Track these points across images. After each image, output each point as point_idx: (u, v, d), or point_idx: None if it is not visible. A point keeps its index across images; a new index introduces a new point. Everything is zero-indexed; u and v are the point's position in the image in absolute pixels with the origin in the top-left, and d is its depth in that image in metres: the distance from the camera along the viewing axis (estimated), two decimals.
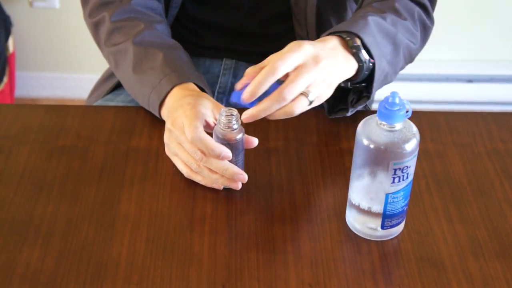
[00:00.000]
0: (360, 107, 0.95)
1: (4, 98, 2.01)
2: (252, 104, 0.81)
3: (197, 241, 0.80)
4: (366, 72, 0.90)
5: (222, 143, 0.83)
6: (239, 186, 0.86)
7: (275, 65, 0.79)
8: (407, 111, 0.74)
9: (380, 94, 0.96)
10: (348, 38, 0.88)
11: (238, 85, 0.82)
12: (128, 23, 0.99)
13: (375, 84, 0.91)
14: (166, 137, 0.88)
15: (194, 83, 0.93)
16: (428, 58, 2.10)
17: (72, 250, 0.78)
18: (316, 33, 1.07)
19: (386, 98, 0.74)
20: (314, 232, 0.81)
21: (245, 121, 0.81)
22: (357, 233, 0.81)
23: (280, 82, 0.81)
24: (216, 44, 1.15)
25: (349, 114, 0.95)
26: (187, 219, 0.83)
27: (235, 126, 0.83)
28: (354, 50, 0.87)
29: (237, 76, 1.16)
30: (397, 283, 0.76)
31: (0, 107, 1.02)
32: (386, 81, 0.95)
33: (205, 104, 0.87)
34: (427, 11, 1.02)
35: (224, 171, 0.84)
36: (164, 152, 0.91)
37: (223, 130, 0.83)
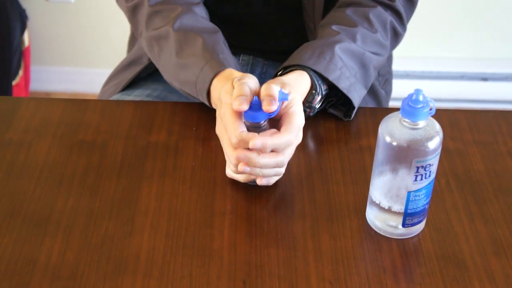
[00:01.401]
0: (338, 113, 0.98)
1: (19, 92, 2.02)
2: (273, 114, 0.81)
3: (217, 237, 0.80)
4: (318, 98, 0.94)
5: (250, 130, 0.81)
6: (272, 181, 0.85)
7: (280, 145, 0.81)
8: (430, 109, 0.74)
9: (403, 91, 0.96)
10: (314, 91, 0.92)
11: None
12: (166, 7, 0.98)
13: (354, 101, 0.95)
14: (216, 128, 0.86)
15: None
16: (443, 56, 2.09)
17: (92, 244, 0.79)
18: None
19: (410, 96, 0.74)
20: (334, 229, 0.81)
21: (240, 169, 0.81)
22: (377, 230, 0.81)
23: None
24: (233, 40, 1.15)
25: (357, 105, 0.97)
26: (207, 215, 0.83)
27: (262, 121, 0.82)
28: (313, 91, 0.92)
29: (254, 71, 1.16)
30: (418, 281, 0.76)
31: (20, 100, 1.02)
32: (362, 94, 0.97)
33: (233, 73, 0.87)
34: (401, 19, 1.03)
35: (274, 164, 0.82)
36: (184, 148, 0.91)
37: (249, 126, 0.82)
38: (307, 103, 0.94)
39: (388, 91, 1.20)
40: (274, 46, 1.16)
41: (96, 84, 1.61)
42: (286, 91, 0.84)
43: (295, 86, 0.89)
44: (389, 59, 1.20)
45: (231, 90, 0.83)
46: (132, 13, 1.03)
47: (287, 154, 0.83)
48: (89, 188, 0.86)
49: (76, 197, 0.84)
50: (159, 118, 0.97)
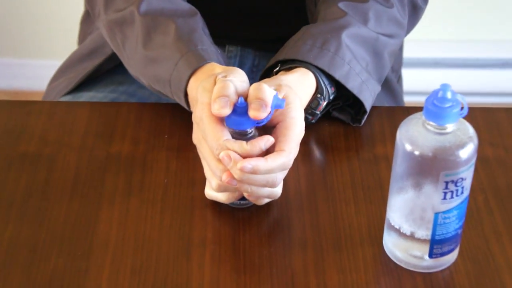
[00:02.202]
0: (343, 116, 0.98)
1: None
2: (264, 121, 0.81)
3: (195, 273, 0.79)
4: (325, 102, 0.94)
5: (234, 137, 0.81)
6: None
7: (287, 161, 0.81)
8: (461, 108, 0.74)
9: (427, 86, 0.96)
10: (319, 96, 0.92)
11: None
12: None
13: (366, 103, 0.96)
14: (194, 135, 0.86)
15: None
16: (483, 39, 2.09)
17: (37, 285, 0.78)
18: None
19: (435, 92, 0.74)
20: (344, 261, 0.81)
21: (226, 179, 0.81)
22: (398, 262, 0.81)
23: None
24: (216, 28, 1.15)
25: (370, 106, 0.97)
26: (182, 246, 0.82)
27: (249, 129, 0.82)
28: (314, 105, 0.93)
29: (244, 65, 1.16)
30: None
31: None
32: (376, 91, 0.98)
33: (213, 68, 0.87)
34: None
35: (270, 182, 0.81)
36: (153, 161, 0.91)
37: (234, 134, 0.82)
38: (310, 109, 0.94)
39: (401, 87, 1.21)
40: (266, 33, 1.16)
41: (44, 79, 1.60)
42: (281, 96, 0.83)
43: (297, 89, 0.88)
44: (400, 47, 1.19)
45: (211, 87, 0.83)
46: None
47: (281, 174, 0.83)
48: (33, 213, 0.85)
49: (16, 225, 0.84)
50: (122, 124, 0.96)
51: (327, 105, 0.95)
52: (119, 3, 0.98)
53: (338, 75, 0.93)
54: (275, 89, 0.84)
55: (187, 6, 0.98)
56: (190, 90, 0.90)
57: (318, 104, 0.93)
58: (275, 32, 1.14)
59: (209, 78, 0.85)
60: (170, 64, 0.92)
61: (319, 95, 0.93)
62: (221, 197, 0.85)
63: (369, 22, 0.97)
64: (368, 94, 0.95)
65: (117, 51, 1.01)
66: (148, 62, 0.95)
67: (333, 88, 0.94)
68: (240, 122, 0.81)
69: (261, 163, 0.79)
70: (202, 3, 1.12)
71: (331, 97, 0.94)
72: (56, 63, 1.56)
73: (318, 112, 0.94)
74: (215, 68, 0.89)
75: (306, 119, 0.91)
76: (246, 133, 0.82)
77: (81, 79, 1.11)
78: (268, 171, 0.80)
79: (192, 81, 0.90)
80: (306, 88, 0.91)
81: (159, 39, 0.94)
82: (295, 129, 0.82)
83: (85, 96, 1.09)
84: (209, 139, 0.81)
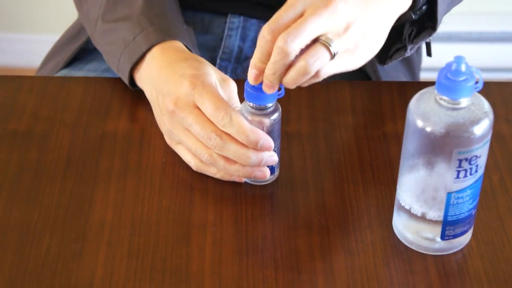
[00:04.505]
0: (422, 42, 0.94)
1: None
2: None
3: (195, 256, 0.80)
4: (420, 5, 0.89)
5: (254, 113, 0.84)
6: (268, 174, 0.85)
7: (264, 32, 0.80)
8: (476, 82, 0.74)
9: (440, 59, 0.95)
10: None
11: (251, 79, 0.82)
12: None
13: (439, 7, 0.90)
14: (167, 122, 0.87)
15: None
16: (493, 11, 2.09)
17: (29, 269, 0.78)
18: None
19: (449, 65, 0.74)
20: (351, 243, 0.81)
21: (265, 88, 0.81)
22: (408, 245, 0.81)
23: None
24: None
25: (408, 54, 0.94)
26: (182, 228, 0.82)
27: (270, 104, 0.83)
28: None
29: (246, 38, 1.16)
30: None
31: None
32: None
33: (209, 73, 0.87)
34: None
35: (246, 160, 0.83)
36: (151, 139, 0.91)
37: (253, 109, 0.83)
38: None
39: (420, 58, 1.20)
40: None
41: (36, 55, 1.60)
42: None
43: None
44: None
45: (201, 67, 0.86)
46: None
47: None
48: (25, 194, 0.85)
49: (7, 207, 0.84)
50: (118, 100, 0.96)
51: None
52: None
53: None
54: None
55: None
56: (150, 64, 0.91)
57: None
58: None
59: (188, 62, 0.87)
60: (129, 35, 0.92)
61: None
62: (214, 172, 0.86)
63: None
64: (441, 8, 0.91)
65: (83, 23, 1.02)
66: (105, 36, 0.96)
67: None
68: (260, 97, 0.82)
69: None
70: None
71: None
72: (47, 38, 1.56)
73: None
74: (176, 44, 0.91)
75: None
76: (266, 107, 0.83)
77: (68, 60, 1.11)
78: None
79: (155, 53, 0.91)
80: None
81: (123, 11, 0.94)
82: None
83: (78, 74, 1.09)
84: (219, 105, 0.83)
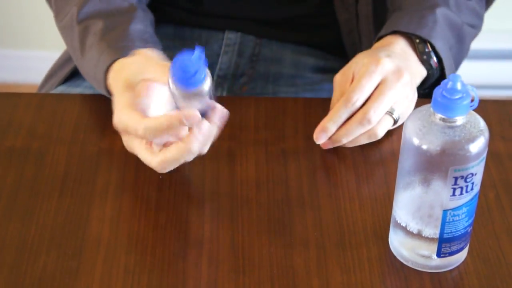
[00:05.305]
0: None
1: None
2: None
3: (192, 274, 0.80)
4: (432, 80, 1.01)
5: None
6: (206, 128, 0.83)
7: (351, 99, 0.90)
8: (472, 100, 0.74)
9: None
10: (417, 41, 0.99)
11: (319, 141, 0.92)
12: None
13: (446, 71, 1.01)
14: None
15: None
16: (496, 29, 2.09)
17: (25, 286, 0.78)
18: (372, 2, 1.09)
19: (445, 83, 0.74)
20: (348, 260, 0.81)
21: (324, 148, 0.92)
22: (404, 262, 0.81)
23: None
24: (216, 9, 1.15)
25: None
26: (178, 245, 0.82)
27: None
28: (424, 57, 0.99)
29: (243, 54, 1.16)
30: None
31: None
32: None
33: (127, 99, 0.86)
34: None
35: (191, 149, 0.82)
36: None
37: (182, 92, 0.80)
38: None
39: None
40: (273, 15, 1.16)
41: (33, 71, 1.61)
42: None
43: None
44: None
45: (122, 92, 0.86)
46: None
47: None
48: (22, 210, 0.86)
49: (3, 223, 0.84)
50: None
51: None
52: (65, 8, 1.00)
53: (438, 46, 0.98)
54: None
55: (126, 4, 0.98)
56: (109, 86, 0.91)
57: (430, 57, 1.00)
58: (283, 14, 1.15)
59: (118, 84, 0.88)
60: (95, 63, 0.93)
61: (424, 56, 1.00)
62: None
63: (451, 7, 1.01)
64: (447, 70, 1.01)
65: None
66: (82, 67, 0.98)
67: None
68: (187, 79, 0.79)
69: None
70: None
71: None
72: (45, 54, 1.56)
73: (429, 50, 0.99)
74: (124, 67, 0.90)
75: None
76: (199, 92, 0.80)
77: (65, 77, 1.12)
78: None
79: (109, 77, 0.91)
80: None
81: (90, 41, 0.95)
82: (362, 71, 0.92)
83: (74, 92, 1.10)
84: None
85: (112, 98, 0.88)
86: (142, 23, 0.96)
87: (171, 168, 0.84)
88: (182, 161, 0.83)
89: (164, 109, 0.84)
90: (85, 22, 0.96)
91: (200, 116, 0.81)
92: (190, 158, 0.83)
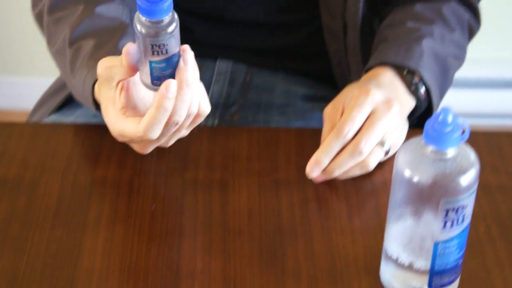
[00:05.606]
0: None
1: None
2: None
3: None
4: (420, 111, 1.02)
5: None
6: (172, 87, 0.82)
7: (343, 131, 0.91)
8: (463, 132, 0.75)
9: None
10: (405, 72, 0.99)
11: (312, 174, 0.92)
12: (64, 12, 1.00)
13: (434, 100, 1.02)
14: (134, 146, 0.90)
15: None
16: (485, 57, 2.11)
17: None
18: (361, 29, 1.10)
19: (436, 116, 0.75)
20: None
21: (317, 181, 0.93)
22: None
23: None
24: (208, 37, 1.16)
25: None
26: (170, 276, 0.82)
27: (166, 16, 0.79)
28: (412, 88, 0.99)
29: (234, 83, 1.17)
30: None
31: None
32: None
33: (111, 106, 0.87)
34: (476, 14, 1.11)
35: (179, 120, 0.83)
36: (140, 187, 0.92)
37: (148, 23, 0.79)
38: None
39: None
40: (265, 44, 1.17)
41: (24, 98, 1.61)
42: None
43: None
44: None
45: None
46: (39, 24, 1.06)
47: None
48: (13, 242, 0.85)
49: None
50: (108, 147, 0.97)
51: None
52: (57, 34, 1.00)
53: (427, 77, 1.00)
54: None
55: (117, 22, 0.99)
56: (97, 99, 0.92)
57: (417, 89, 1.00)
58: (274, 42, 1.16)
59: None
60: (83, 79, 0.93)
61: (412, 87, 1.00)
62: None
63: (436, 41, 1.03)
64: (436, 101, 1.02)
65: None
66: (72, 88, 0.99)
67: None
68: (154, 11, 0.79)
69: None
70: (200, 18, 1.14)
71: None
72: (35, 81, 1.57)
73: (417, 82, 1.00)
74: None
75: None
76: (162, 21, 0.79)
77: (57, 106, 1.12)
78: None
79: (95, 90, 0.92)
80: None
81: (79, 61, 0.96)
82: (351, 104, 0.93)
83: (66, 121, 1.10)
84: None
85: (101, 111, 0.89)
86: (131, 38, 0.96)
87: (156, 134, 0.83)
88: (162, 122, 0.82)
89: (150, 93, 0.86)
90: (77, 43, 0.96)
91: (174, 81, 0.81)
92: (165, 116, 0.82)
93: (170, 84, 0.80)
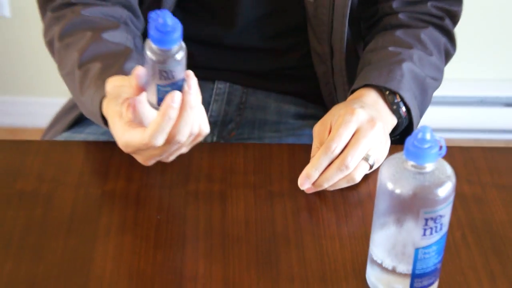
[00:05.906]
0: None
1: None
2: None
3: None
4: (401, 128, 1.03)
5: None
6: (177, 97, 0.82)
7: (330, 148, 0.92)
8: (440, 148, 0.76)
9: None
10: (387, 93, 1.01)
11: (303, 187, 0.93)
12: (73, 39, 1.01)
13: (414, 119, 1.03)
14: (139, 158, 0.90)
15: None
16: (459, 77, 2.12)
17: None
18: (346, 53, 1.11)
19: (415, 133, 0.76)
20: None
21: (308, 192, 0.94)
22: None
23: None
24: (206, 61, 1.17)
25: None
26: (174, 280, 0.83)
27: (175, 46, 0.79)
28: (394, 107, 1.01)
29: (231, 102, 1.18)
30: None
31: None
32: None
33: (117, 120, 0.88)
34: (452, 39, 1.13)
35: (186, 134, 0.84)
36: (146, 198, 0.92)
37: (158, 51, 0.79)
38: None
39: None
40: (258, 67, 1.18)
41: (38, 116, 1.61)
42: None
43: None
44: None
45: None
46: (51, 51, 1.06)
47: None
48: (31, 249, 0.86)
49: (16, 261, 0.84)
50: (116, 162, 0.98)
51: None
52: (66, 59, 1.01)
53: (407, 97, 1.01)
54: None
55: (122, 47, 0.99)
56: (105, 114, 0.92)
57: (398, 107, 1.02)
58: (267, 66, 1.17)
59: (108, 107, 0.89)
60: (91, 97, 0.94)
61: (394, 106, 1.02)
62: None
63: (415, 64, 1.04)
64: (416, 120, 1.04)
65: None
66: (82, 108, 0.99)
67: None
68: (165, 40, 0.79)
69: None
70: (200, 43, 1.15)
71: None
72: (48, 101, 1.57)
73: (398, 101, 1.01)
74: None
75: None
76: (170, 54, 0.80)
77: (68, 125, 1.13)
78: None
79: (103, 106, 0.92)
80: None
81: (88, 81, 0.96)
82: (338, 122, 0.94)
83: (77, 138, 1.11)
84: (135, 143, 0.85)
85: (109, 126, 0.89)
86: (136, 62, 0.97)
87: (160, 141, 0.83)
88: (166, 130, 0.82)
89: (155, 111, 0.85)
90: (86, 66, 0.97)
91: (179, 92, 0.81)
92: (169, 124, 0.82)
93: (175, 95, 0.81)
